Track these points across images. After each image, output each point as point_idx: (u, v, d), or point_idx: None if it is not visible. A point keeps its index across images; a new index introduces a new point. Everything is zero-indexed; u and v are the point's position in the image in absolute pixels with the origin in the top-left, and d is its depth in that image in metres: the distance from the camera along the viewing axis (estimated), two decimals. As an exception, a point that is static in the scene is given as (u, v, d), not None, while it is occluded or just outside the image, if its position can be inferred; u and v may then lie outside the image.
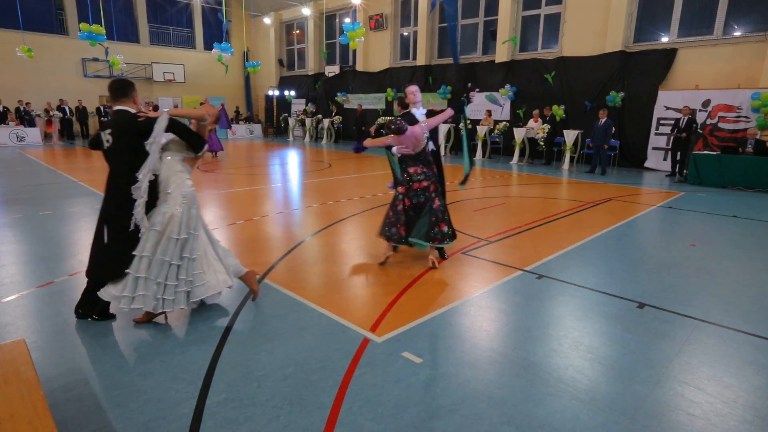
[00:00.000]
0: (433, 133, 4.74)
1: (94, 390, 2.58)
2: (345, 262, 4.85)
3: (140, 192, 3.10)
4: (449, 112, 4.66)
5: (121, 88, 3.27)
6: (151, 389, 2.60)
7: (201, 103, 17.57)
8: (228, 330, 3.29)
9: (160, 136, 3.15)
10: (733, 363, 2.95)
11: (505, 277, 4.44)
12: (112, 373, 2.75)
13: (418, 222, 4.51)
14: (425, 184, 4.48)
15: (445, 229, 4.48)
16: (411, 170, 4.51)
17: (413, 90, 5.01)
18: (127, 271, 3.14)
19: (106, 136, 3.21)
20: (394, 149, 4.57)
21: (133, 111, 3.25)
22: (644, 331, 3.36)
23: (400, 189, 4.59)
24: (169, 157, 3.32)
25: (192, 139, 3.38)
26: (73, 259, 4.76)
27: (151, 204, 3.23)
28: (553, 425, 2.35)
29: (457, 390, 2.63)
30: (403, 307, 3.72)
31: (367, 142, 4.68)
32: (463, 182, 5.20)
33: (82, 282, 4.11)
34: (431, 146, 4.73)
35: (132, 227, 3.13)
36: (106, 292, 3.19)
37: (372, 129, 9.33)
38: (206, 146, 3.49)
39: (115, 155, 3.21)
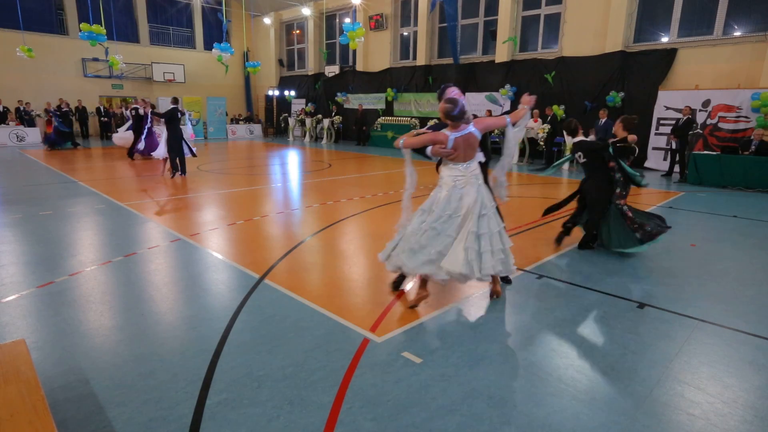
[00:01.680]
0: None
1: (94, 390, 2.58)
2: (345, 262, 4.85)
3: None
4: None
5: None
6: (151, 389, 2.60)
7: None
8: (228, 330, 3.29)
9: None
10: (733, 363, 2.95)
11: (505, 277, 4.44)
12: (112, 373, 2.75)
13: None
14: None
15: None
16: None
17: None
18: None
19: None
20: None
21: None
22: (644, 331, 3.36)
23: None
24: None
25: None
26: (73, 259, 4.76)
27: None
28: (553, 425, 2.35)
29: (457, 390, 2.63)
30: (403, 307, 3.72)
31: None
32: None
33: (82, 282, 4.13)
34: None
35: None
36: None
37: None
38: (448, 146, 3.48)
39: None
